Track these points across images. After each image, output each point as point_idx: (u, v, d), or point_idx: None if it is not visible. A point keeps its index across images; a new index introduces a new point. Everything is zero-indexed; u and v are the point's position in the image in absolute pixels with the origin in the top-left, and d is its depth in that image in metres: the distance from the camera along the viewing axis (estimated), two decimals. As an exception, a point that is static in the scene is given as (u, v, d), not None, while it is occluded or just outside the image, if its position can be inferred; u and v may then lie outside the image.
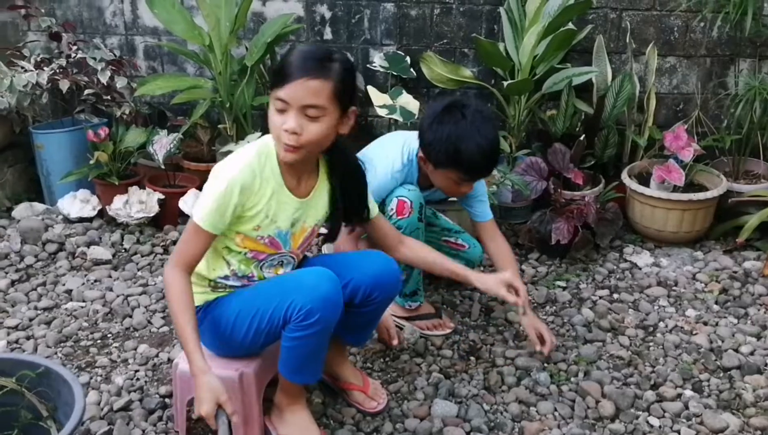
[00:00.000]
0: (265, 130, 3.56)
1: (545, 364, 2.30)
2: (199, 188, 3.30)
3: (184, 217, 3.23)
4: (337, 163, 1.86)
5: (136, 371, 2.27)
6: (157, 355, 2.35)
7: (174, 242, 3.10)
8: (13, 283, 2.82)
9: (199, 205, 1.71)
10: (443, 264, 2.14)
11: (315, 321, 1.69)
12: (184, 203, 3.19)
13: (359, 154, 2.54)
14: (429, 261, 2.14)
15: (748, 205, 3.08)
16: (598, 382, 2.21)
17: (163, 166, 3.09)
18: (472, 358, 2.36)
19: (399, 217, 2.27)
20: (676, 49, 3.31)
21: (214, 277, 1.85)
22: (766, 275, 2.83)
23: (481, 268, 2.70)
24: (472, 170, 2.15)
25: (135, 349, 2.39)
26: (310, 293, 1.69)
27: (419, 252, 2.13)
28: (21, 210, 3.34)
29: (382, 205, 2.32)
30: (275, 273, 1.89)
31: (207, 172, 3.36)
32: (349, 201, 1.93)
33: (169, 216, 3.24)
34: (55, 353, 2.37)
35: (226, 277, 1.85)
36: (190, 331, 1.67)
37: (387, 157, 2.31)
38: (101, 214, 3.30)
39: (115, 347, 2.41)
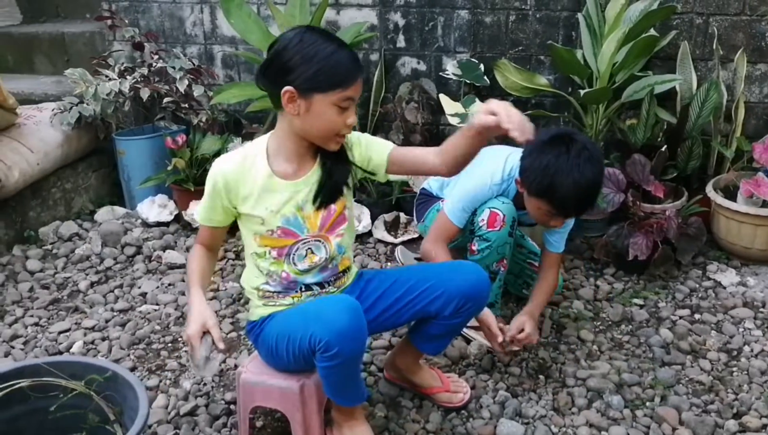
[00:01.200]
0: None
1: (618, 386, 2.19)
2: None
3: (256, 224, 3.27)
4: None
5: (204, 376, 2.30)
6: (224, 361, 2.37)
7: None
8: (92, 284, 2.92)
9: (197, 208, 1.91)
10: (458, 136, 1.75)
11: (334, 354, 1.66)
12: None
13: None
14: (457, 145, 1.74)
15: None
16: (676, 408, 2.09)
17: (236, 173, 3.14)
18: (541, 376, 2.28)
19: (489, 229, 2.22)
20: (767, 56, 3.13)
21: (258, 285, 1.88)
22: None
23: (561, 296, 2.61)
24: (562, 206, 2.06)
25: (203, 354, 2.42)
26: (328, 326, 1.65)
27: (449, 148, 1.76)
28: (103, 214, 3.46)
29: (472, 215, 2.28)
30: (310, 262, 1.84)
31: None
32: (336, 168, 1.82)
33: (242, 222, 3.28)
34: (128, 355, 2.43)
35: (266, 283, 1.87)
36: (195, 278, 1.82)
37: (488, 167, 2.27)
38: (178, 218, 3.38)
39: (185, 351, 2.45)
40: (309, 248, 1.83)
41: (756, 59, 3.13)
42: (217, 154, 3.25)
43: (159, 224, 3.36)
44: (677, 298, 2.72)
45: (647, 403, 2.13)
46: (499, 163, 2.26)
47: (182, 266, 3.01)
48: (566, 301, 2.69)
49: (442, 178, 2.52)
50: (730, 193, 3.01)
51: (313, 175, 1.79)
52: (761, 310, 2.63)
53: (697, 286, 2.80)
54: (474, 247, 2.28)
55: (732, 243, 2.95)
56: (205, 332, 1.70)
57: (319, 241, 1.84)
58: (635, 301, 2.71)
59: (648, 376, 2.26)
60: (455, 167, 1.78)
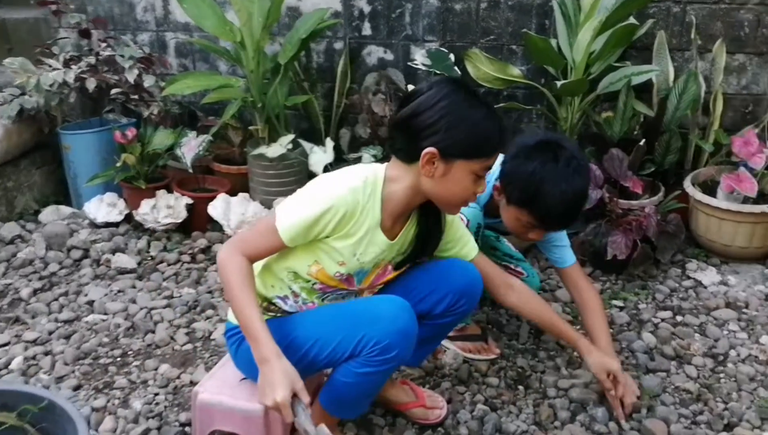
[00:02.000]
0: (300, 133, 3.41)
1: (602, 396, 2.06)
2: (230, 192, 3.14)
3: (214, 224, 3.07)
4: (431, 207, 1.68)
5: (156, 394, 2.11)
6: (178, 377, 2.18)
7: (203, 250, 2.94)
8: (35, 291, 2.69)
9: (287, 209, 1.54)
10: (554, 322, 1.97)
11: (392, 357, 1.55)
12: (214, 209, 3.03)
13: None
14: (539, 314, 1.96)
15: (827, 217, 2.80)
16: (664, 420, 1.97)
17: (191, 170, 2.93)
18: (520, 387, 2.14)
19: None
20: (746, 46, 3.03)
21: (271, 296, 1.69)
22: None
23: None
24: (546, 218, 1.92)
25: (156, 369, 2.23)
26: (388, 326, 1.53)
27: (530, 302, 1.94)
28: (47, 214, 3.23)
29: None
30: (337, 301, 1.72)
31: (238, 175, 3.32)
32: (430, 241, 1.75)
33: (198, 222, 3.08)
34: (73, 371, 2.22)
35: (284, 299, 1.69)
36: (256, 310, 1.50)
37: None
38: (128, 218, 3.16)
39: (135, 366, 2.25)
40: (344, 296, 1.72)
41: (734, 49, 3.03)
42: (170, 148, 3.04)
43: (108, 225, 3.14)
44: (658, 299, 2.61)
45: (633, 415, 2.00)
46: None
47: (133, 271, 2.80)
48: (544, 303, 2.56)
49: None
50: (709, 188, 2.91)
51: (405, 235, 1.68)
52: (744, 311, 2.54)
53: (678, 285, 2.70)
54: None
55: (711, 240, 2.85)
56: (294, 395, 1.47)
57: (358, 293, 1.73)
58: (615, 302, 2.58)
59: (635, 383, 2.13)
60: (517, 312, 2.04)
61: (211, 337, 2.39)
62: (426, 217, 1.70)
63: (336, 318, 1.61)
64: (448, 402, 2.05)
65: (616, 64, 2.97)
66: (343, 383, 1.61)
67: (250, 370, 1.70)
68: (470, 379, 2.17)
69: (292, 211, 1.53)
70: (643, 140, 2.84)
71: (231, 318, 1.71)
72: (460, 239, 1.81)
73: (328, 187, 1.55)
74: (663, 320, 2.47)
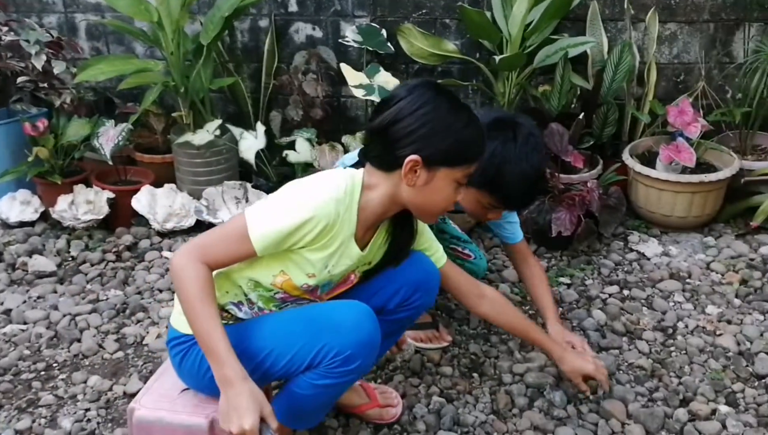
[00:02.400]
0: (228, 117, 3.23)
1: (557, 379, 2.02)
2: (155, 183, 2.95)
3: (139, 218, 2.88)
4: (404, 216, 1.58)
5: (87, 410, 1.94)
6: (110, 389, 2.02)
7: (128, 247, 2.75)
8: (-57, 302, 2.45)
9: (261, 216, 1.39)
10: (528, 331, 1.86)
11: (354, 368, 1.44)
12: (138, 202, 2.83)
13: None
14: (514, 324, 1.86)
15: (760, 184, 2.83)
16: (622, 400, 1.94)
17: (111, 162, 2.72)
18: (475, 374, 2.07)
19: None
20: (676, 15, 3.02)
21: (224, 302, 1.54)
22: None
23: (486, 280, 2.39)
24: (509, 199, 1.86)
25: (85, 381, 2.05)
26: (350, 336, 1.42)
27: (504, 311, 1.83)
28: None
29: None
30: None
31: (163, 164, 3.11)
32: (400, 252, 1.65)
33: (121, 217, 2.88)
34: (-10, 391, 2.02)
35: (238, 305, 1.54)
36: (219, 328, 1.36)
37: None
38: (45, 217, 2.93)
39: (62, 380, 2.07)
40: (302, 304, 1.58)
41: (666, 18, 3.02)
42: (86, 139, 2.81)
43: (22, 224, 2.90)
44: (603, 274, 2.59)
45: (591, 396, 1.96)
46: None
47: (53, 274, 2.58)
48: (491, 284, 2.49)
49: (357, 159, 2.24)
50: (647, 159, 2.91)
51: (374, 244, 1.58)
52: (688, 281, 2.54)
53: (621, 258, 2.68)
54: None
55: (651, 211, 2.85)
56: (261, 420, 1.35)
57: (318, 301, 1.60)
58: (562, 279, 2.55)
59: (587, 364, 2.10)
60: (490, 322, 1.92)
61: (144, 343, 2.23)
62: (399, 227, 1.60)
63: (293, 326, 1.48)
64: (402, 396, 1.96)
65: (553, 37, 2.92)
66: (300, 395, 1.49)
67: (197, 383, 1.57)
68: (423, 370, 2.09)
69: (268, 218, 1.39)
70: (582, 114, 2.80)
71: (176, 325, 1.56)
72: (429, 248, 1.71)
73: (309, 195, 1.41)
74: (611, 296, 2.45)
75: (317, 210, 1.38)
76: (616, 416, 1.88)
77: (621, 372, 2.07)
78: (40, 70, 2.82)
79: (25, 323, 2.33)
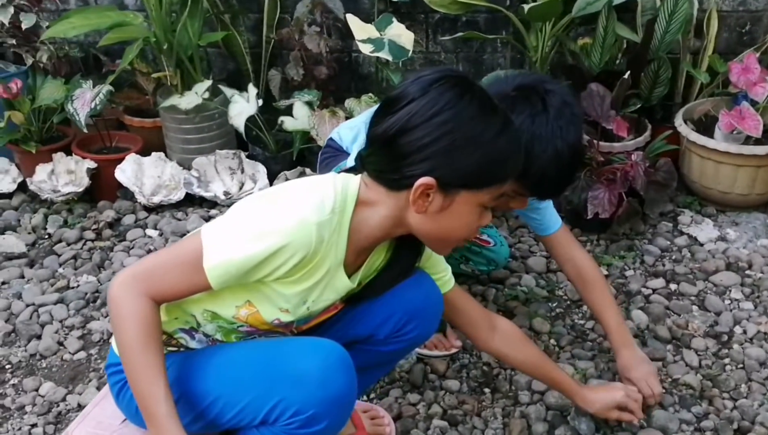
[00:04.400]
0: (228, 75, 2.90)
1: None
2: (142, 151, 2.65)
3: (124, 190, 2.59)
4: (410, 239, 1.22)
5: (33, 426, 1.69)
6: (63, 399, 1.76)
7: (110, 224, 2.47)
8: None
9: (220, 240, 1.08)
10: (546, 370, 1.52)
11: (320, 430, 1.13)
12: (122, 173, 2.55)
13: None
14: (530, 362, 1.51)
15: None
16: (662, 430, 1.60)
17: (85, 130, 2.43)
18: (486, 390, 1.75)
19: None
20: (745, -48, 2.55)
21: (172, 330, 1.24)
22: None
23: (508, 269, 2.05)
24: (540, 186, 1.48)
25: (37, 389, 1.80)
26: (315, 391, 1.10)
27: (519, 347, 1.49)
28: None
29: None
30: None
31: (154, 129, 2.79)
32: (398, 278, 1.31)
33: (105, 189, 2.60)
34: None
35: (190, 333, 1.24)
36: (162, 386, 1.08)
37: None
38: (24, 187, 2.67)
39: (12, 386, 1.82)
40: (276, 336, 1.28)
41: (732, -43, 2.55)
42: (62, 105, 2.51)
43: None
44: (647, 263, 2.21)
45: (624, 425, 1.62)
46: None
47: (22, 256, 2.32)
48: (513, 275, 2.15)
49: (357, 129, 1.89)
50: (704, 125, 2.48)
51: (368, 268, 1.26)
52: (748, 273, 2.15)
53: (669, 244, 2.30)
54: None
55: (707, 187, 2.44)
56: None
57: (293, 332, 1.31)
58: (597, 269, 2.18)
59: (622, 380, 1.76)
60: (501, 360, 1.64)
61: (110, 340, 1.95)
62: (404, 251, 1.26)
63: (247, 368, 1.17)
64: (397, 418, 1.65)
65: (594, -19, 2.48)
66: None
67: (137, 419, 1.28)
68: (425, 384, 1.77)
69: (228, 245, 1.07)
70: (628, 72, 2.38)
71: (116, 349, 1.25)
72: (434, 266, 1.37)
73: (284, 214, 1.08)
74: (654, 291, 2.08)
75: (293, 236, 1.06)
76: (655, 453, 1.55)
77: (663, 391, 1.72)
78: (7, 24, 2.51)
79: (-19, 320, 2.08)
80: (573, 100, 1.50)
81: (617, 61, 2.57)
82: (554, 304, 2.04)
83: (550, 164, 1.44)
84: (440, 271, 1.38)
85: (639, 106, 2.50)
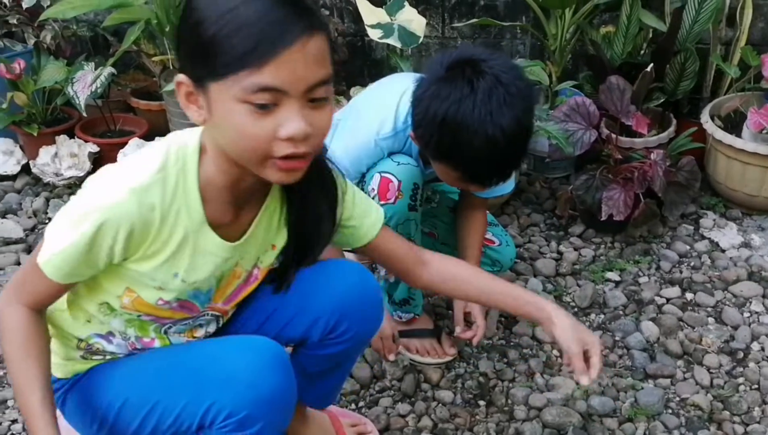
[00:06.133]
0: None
1: (585, 419, 1.59)
2: (146, 136, 2.59)
3: (127, 175, 2.53)
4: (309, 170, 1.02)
5: (13, 422, 1.64)
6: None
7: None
8: None
9: (52, 233, 1.01)
10: (497, 290, 1.31)
11: (256, 431, 1.06)
12: (124, 157, 2.48)
13: (351, 101, 1.82)
14: (473, 286, 1.32)
15: None
16: (665, 456, 1.50)
17: (84, 113, 2.37)
18: (481, 403, 1.67)
19: (381, 202, 1.55)
20: (785, -64, 2.37)
21: (86, 335, 1.16)
22: None
23: (513, 271, 1.94)
24: (477, 175, 1.42)
25: None
26: (244, 392, 1.04)
27: (454, 272, 1.32)
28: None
29: (361, 183, 1.61)
30: (189, 337, 1.21)
31: (160, 112, 2.74)
32: (315, 230, 1.16)
33: (108, 174, 2.54)
34: None
35: (107, 338, 1.16)
36: (38, 393, 1.03)
37: (376, 114, 1.58)
38: (28, 169, 2.63)
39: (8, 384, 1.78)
40: (198, 324, 1.19)
41: (771, -59, 2.38)
42: (61, 88, 2.45)
43: (2, 178, 2.61)
44: (663, 269, 2.09)
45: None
46: (389, 107, 1.55)
47: (20, 241, 2.28)
48: (520, 278, 2.05)
49: (335, 124, 1.80)
50: (732, 122, 2.34)
51: (263, 226, 1.12)
52: (771, 283, 2.02)
53: (689, 248, 2.17)
54: None
55: (732, 189, 2.30)
56: None
57: (217, 315, 1.21)
58: (609, 275, 2.07)
59: (627, 397, 1.66)
60: (442, 294, 1.55)
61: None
62: (311, 193, 1.12)
63: (176, 371, 1.11)
64: (384, 430, 1.58)
65: (620, -35, 2.33)
66: None
67: (93, 430, 1.21)
68: (417, 393, 1.69)
69: (57, 236, 0.99)
70: (651, 65, 2.23)
71: (52, 372, 1.18)
72: (365, 214, 1.23)
73: (101, 190, 0.98)
74: (668, 301, 1.96)
75: (110, 210, 0.96)
76: (655, 481, 1.45)
77: (669, 412, 1.62)
78: (8, 2, 2.45)
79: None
80: (510, 77, 1.36)
81: (641, 52, 2.43)
82: (563, 302, 1.94)
83: (482, 153, 1.35)
84: (369, 215, 1.23)
85: (663, 100, 2.36)
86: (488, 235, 1.89)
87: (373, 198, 1.55)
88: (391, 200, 1.56)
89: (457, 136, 1.34)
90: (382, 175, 1.56)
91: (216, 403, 1.04)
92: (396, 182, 1.55)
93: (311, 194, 1.12)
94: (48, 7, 2.41)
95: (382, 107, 1.56)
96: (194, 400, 1.07)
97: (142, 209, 0.97)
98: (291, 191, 1.12)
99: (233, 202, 1.06)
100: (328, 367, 1.33)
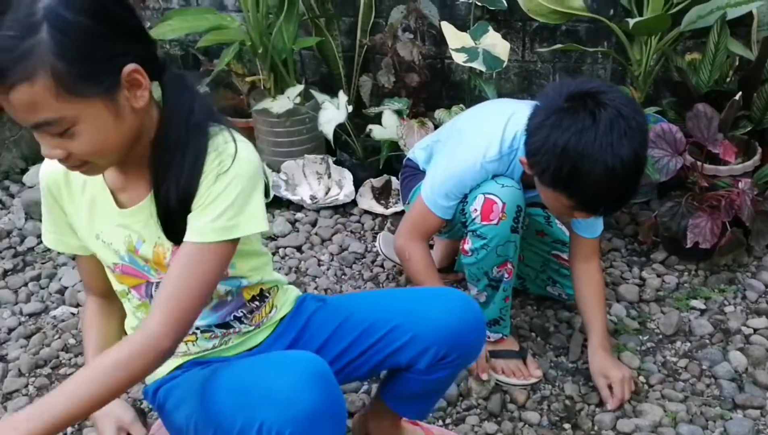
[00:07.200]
0: (321, 79, 2.91)
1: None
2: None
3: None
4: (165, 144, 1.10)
5: (116, 423, 1.73)
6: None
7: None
8: (5, 273, 2.34)
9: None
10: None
11: None
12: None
13: (450, 123, 1.88)
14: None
15: None
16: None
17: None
18: (567, 426, 1.68)
19: (483, 223, 1.61)
20: None
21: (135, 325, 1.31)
22: None
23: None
24: (591, 203, 1.47)
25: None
26: (284, 410, 1.05)
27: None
28: (33, 174, 2.84)
29: (462, 202, 1.66)
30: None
31: (246, 129, 2.82)
32: (174, 192, 1.11)
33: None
34: (26, 385, 1.86)
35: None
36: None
37: (481, 137, 1.64)
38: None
39: (98, 381, 1.87)
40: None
41: None
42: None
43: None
44: (749, 299, 2.07)
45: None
46: (495, 132, 1.61)
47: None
48: (602, 303, 2.05)
49: (430, 148, 1.88)
50: (822, 152, 2.30)
51: (148, 203, 1.15)
52: None
53: (775, 279, 2.15)
54: (466, 247, 1.67)
55: (821, 219, 2.26)
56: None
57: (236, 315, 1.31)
58: (693, 303, 2.06)
59: (716, 426, 1.65)
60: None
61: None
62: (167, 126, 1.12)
63: (231, 393, 1.13)
64: (473, 448, 1.61)
65: (707, -7, 2.33)
66: None
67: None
68: (503, 413, 1.72)
69: None
70: (739, 93, 2.23)
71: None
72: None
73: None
74: (756, 331, 1.94)
75: (41, 178, 1.21)
76: None
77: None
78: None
79: (77, 306, 2.16)
80: (630, 110, 1.41)
81: (728, 80, 2.41)
82: (645, 338, 1.94)
83: (600, 183, 1.39)
84: None
85: (749, 129, 2.34)
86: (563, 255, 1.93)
87: (474, 219, 1.59)
88: (494, 221, 1.60)
89: (577, 165, 1.37)
90: (486, 196, 1.61)
91: (265, 423, 1.06)
92: (500, 204, 1.60)
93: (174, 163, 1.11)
94: (149, 29, 2.54)
95: (487, 131, 1.61)
96: (247, 421, 1.07)
97: (56, 169, 1.16)
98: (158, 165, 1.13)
99: (120, 172, 1.15)
100: (427, 391, 1.38)
